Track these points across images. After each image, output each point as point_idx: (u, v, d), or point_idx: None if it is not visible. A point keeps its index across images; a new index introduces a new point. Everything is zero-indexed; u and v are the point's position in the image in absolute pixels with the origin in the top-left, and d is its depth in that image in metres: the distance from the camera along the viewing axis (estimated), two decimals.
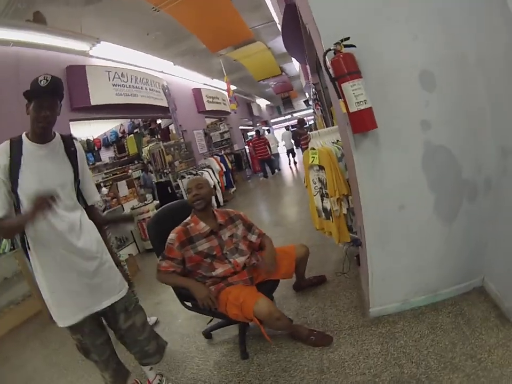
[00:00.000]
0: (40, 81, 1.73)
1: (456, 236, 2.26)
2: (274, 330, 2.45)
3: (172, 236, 2.44)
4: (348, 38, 1.95)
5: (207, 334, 2.87)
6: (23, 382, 3.34)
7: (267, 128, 22.31)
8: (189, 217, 2.56)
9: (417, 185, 2.18)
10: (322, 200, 3.13)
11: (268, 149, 12.83)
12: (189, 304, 2.63)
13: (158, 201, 8.39)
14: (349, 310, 2.66)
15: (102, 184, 9.14)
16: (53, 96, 1.79)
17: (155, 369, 2.38)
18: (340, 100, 2.02)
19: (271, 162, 13.22)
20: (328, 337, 2.37)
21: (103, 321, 2.09)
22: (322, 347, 2.31)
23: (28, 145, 1.82)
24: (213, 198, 8.57)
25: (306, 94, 13.23)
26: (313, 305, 2.89)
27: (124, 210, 7.02)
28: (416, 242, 2.28)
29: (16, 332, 4.71)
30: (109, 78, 7.16)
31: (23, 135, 1.85)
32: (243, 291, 2.32)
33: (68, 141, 1.98)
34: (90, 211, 2.09)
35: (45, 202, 1.60)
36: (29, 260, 1.92)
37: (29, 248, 1.85)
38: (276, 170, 13.58)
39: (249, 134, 19.23)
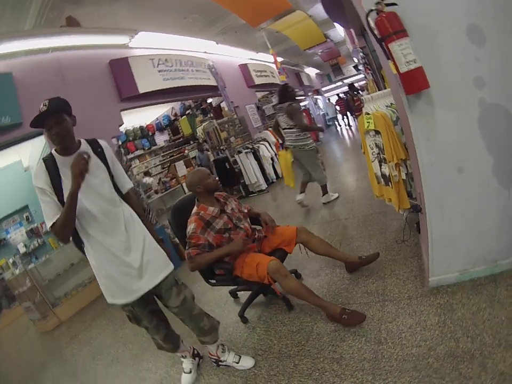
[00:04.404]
0: (41, 108, 1.89)
1: None
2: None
3: (192, 226, 2.66)
4: None
5: (243, 317, 3.01)
6: (90, 356, 3.67)
7: (319, 96, 21.93)
8: (196, 208, 2.78)
9: (474, 147, 2.05)
10: (380, 166, 3.05)
11: (347, 106, 16.68)
12: (213, 281, 2.93)
13: (216, 177, 8.57)
14: (408, 279, 2.61)
15: (150, 170, 9.54)
16: (55, 114, 1.92)
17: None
18: (389, 61, 1.95)
19: (347, 114, 17.27)
20: (360, 315, 2.34)
21: (155, 298, 2.29)
22: (358, 325, 2.32)
23: (60, 159, 2.00)
24: (271, 171, 8.70)
25: (355, 59, 12.73)
26: (373, 274, 2.87)
27: (183, 189, 7.28)
28: (475, 208, 2.16)
29: (84, 312, 5.19)
30: (154, 65, 7.34)
31: (53, 151, 2.04)
32: (258, 256, 2.66)
33: (93, 143, 2.16)
34: (126, 199, 2.26)
35: (80, 162, 1.84)
36: (84, 255, 2.15)
37: (83, 244, 2.08)
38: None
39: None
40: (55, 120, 1.90)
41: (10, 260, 7.66)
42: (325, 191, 5.31)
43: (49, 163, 1.99)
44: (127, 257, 2.07)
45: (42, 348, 4.83)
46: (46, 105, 1.89)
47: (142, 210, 2.47)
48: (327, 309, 2.45)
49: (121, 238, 2.07)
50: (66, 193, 1.92)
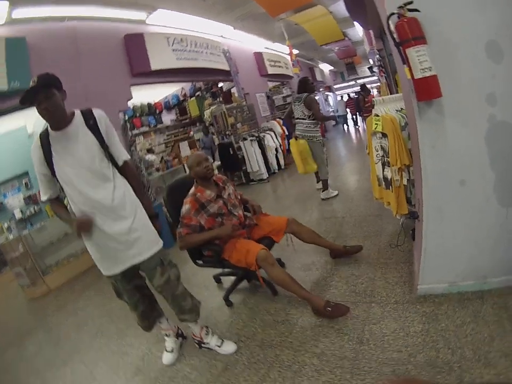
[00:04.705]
0: (29, 85, 1.90)
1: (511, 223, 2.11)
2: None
3: (187, 206, 2.74)
4: (411, 2, 1.85)
5: (227, 301, 3.09)
6: (76, 326, 3.72)
7: (330, 93, 21.81)
8: (193, 189, 2.85)
9: (479, 161, 2.05)
10: (383, 168, 3.05)
11: (356, 106, 15.88)
12: (200, 262, 3.01)
13: (219, 162, 8.57)
14: (397, 284, 2.62)
15: (153, 148, 9.53)
16: (44, 89, 1.92)
17: (200, 323, 2.55)
18: (405, 65, 1.95)
19: (356, 114, 17.06)
20: (344, 307, 2.41)
21: (140, 273, 2.33)
22: (340, 317, 2.38)
23: (52, 134, 2.05)
24: (274, 161, 8.69)
25: (370, 60, 12.67)
26: (363, 275, 2.89)
27: (185, 170, 7.29)
28: (472, 222, 2.16)
29: (73, 283, 5.21)
30: (168, 43, 7.36)
31: (48, 126, 2.06)
32: (248, 243, 2.72)
33: (87, 115, 2.13)
34: (123, 170, 2.25)
35: (82, 226, 2.03)
36: None
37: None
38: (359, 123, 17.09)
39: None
40: (44, 95, 1.92)
41: (5, 225, 7.67)
42: (325, 187, 5.41)
43: (44, 138, 2.05)
44: (113, 232, 2.11)
45: (29, 314, 4.87)
46: (34, 81, 1.90)
47: (139, 183, 2.49)
48: (312, 301, 2.49)
49: (108, 213, 2.09)
50: (56, 168, 2.02)
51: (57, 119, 2.01)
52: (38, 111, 1.96)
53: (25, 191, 8.34)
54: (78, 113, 2.12)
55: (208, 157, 2.88)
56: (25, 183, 8.35)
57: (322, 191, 5.44)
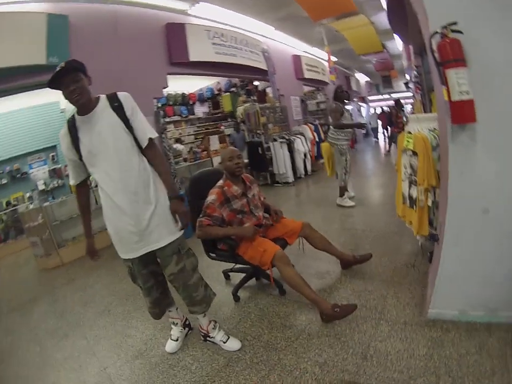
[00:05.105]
0: (56, 68, 1.94)
1: None
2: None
3: (213, 196, 2.79)
4: (455, 23, 1.83)
5: (235, 295, 3.18)
6: (83, 302, 3.80)
7: (364, 104, 21.60)
8: (222, 181, 2.91)
9: (505, 193, 2.01)
10: (410, 187, 3.02)
11: (388, 120, 14.65)
12: (213, 255, 3.10)
13: (246, 160, 8.61)
14: (408, 304, 2.60)
15: (183, 138, 9.62)
16: (71, 72, 1.98)
17: (208, 316, 2.57)
18: (443, 86, 1.93)
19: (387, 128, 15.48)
20: (352, 305, 2.47)
21: (157, 259, 2.34)
22: (350, 315, 2.43)
23: (79, 119, 2.10)
24: (302, 166, 8.68)
25: (407, 76, 12.45)
26: (376, 291, 2.87)
27: (212, 163, 7.36)
28: (490, 253, 2.12)
29: (87, 259, 5.28)
30: (209, 36, 7.44)
31: (75, 112, 2.12)
32: (265, 242, 2.74)
33: (112, 98, 2.15)
34: (148, 149, 2.21)
35: (89, 256, 2.45)
36: None
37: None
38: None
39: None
40: (71, 78, 1.97)
41: (27, 194, 7.88)
42: (341, 193, 5.55)
43: (71, 125, 2.11)
44: (135, 214, 2.12)
45: (38, 284, 5.01)
46: (62, 65, 1.95)
47: (165, 163, 2.38)
48: (320, 305, 2.50)
49: (132, 196, 2.11)
50: (83, 152, 2.08)
51: (83, 102, 2.04)
52: (65, 95, 2.01)
53: (51, 164, 8.56)
54: (103, 97, 2.16)
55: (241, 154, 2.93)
56: (52, 156, 8.56)
57: (339, 196, 5.57)
